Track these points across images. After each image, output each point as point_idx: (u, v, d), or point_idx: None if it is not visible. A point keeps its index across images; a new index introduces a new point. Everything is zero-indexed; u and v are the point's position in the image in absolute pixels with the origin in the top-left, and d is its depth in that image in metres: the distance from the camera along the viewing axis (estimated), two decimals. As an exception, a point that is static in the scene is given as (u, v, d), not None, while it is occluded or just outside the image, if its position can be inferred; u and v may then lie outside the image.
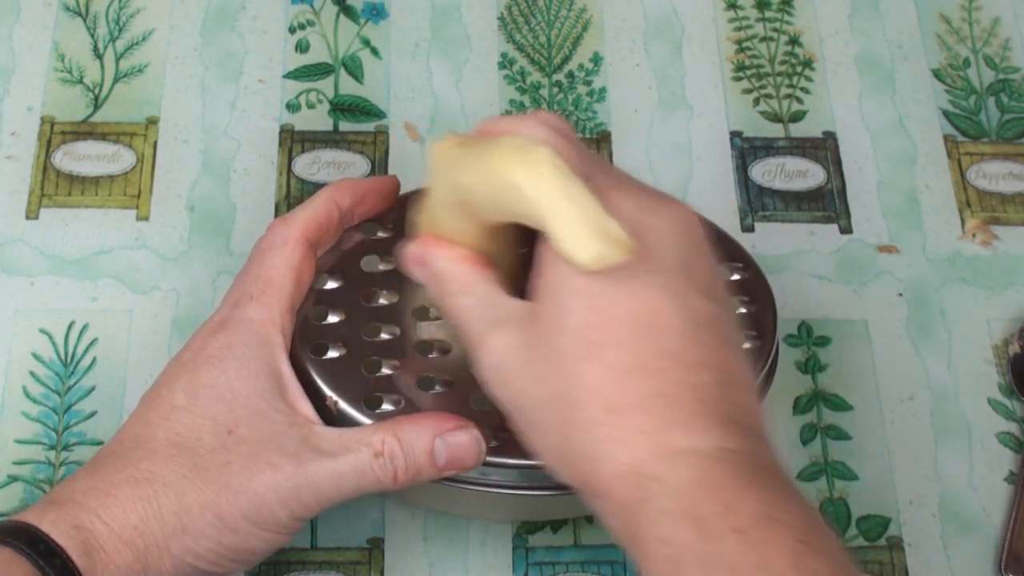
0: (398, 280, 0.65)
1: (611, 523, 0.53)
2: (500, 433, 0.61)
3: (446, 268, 0.58)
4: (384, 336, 0.64)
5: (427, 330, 0.64)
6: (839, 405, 0.74)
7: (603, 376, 0.52)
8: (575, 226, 0.51)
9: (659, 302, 0.52)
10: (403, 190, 0.68)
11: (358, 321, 0.64)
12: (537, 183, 0.52)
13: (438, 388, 0.63)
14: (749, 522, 0.49)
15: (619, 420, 0.52)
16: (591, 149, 0.80)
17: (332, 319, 0.64)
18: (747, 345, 0.65)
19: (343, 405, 0.62)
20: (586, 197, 0.51)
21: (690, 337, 0.53)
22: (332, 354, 0.63)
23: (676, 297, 0.53)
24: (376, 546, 0.69)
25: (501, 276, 0.58)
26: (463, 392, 0.63)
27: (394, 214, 0.67)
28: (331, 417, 0.62)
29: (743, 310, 0.66)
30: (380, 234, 0.67)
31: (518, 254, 0.60)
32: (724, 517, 0.49)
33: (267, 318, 0.61)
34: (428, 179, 0.59)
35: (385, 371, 0.63)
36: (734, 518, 0.49)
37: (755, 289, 0.67)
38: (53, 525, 0.56)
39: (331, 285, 0.65)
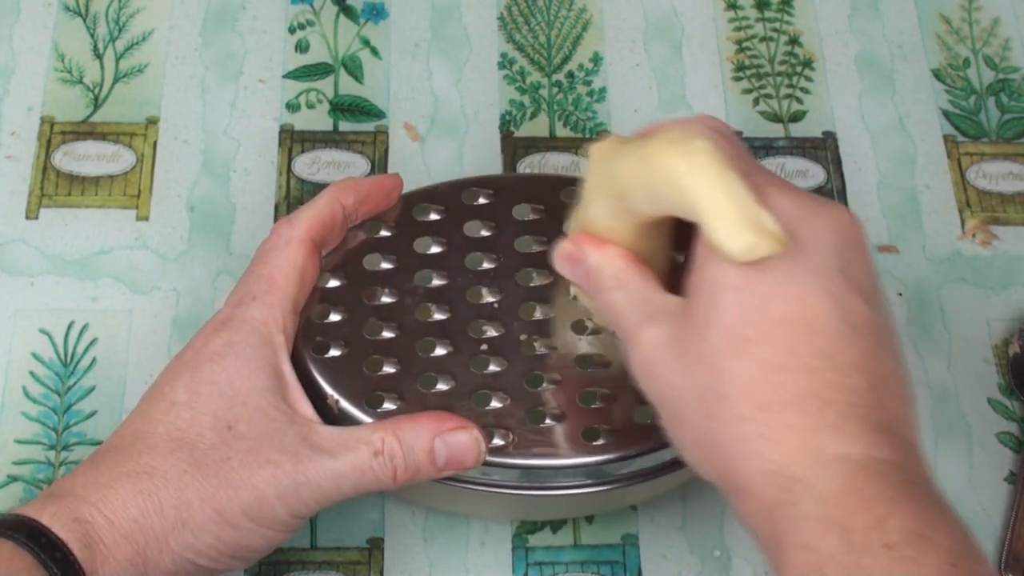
0: (400, 279, 0.65)
1: (751, 524, 0.52)
2: (505, 431, 0.62)
3: (600, 264, 0.58)
4: (386, 335, 0.64)
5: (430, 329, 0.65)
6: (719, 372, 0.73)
7: (754, 373, 0.52)
8: (728, 216, 0.51)
9: (815, 302, 0.52)
10: (404, 189, 0.68)
11: (360, 320, 0.64)
12: (693, 173, 0.52)
13: (440, 387, 0.63)
14: (899, 538, 0.48)
15: (769, 417, 0.51)
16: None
17: (334, 318, 0.64)
18: None
19: (344, 404, 0.62)
20: (741, 189, 0.51)
21: (845, 339, 0.52)
22: (334, 353, 0.63)
23: (832, 298, 0.52)
24: (376, 546, 0.69)
25: (654, 274, 0.58)
26: (465, 392, 0.63)
27: (396, 213, 0.67)
28: (332, 416, 0.62)
29: None
30: (383, 233, 0.67)
31: (671, 256, 0.60)
32: (874, 530, 0.48)
33: (269, 317, 0.61)
34: (584, 177, 0.59)
35: (387, 370, 0.63)
36: (884, 533, 0.48)
37: None
38: (54, 518, 0.56)
39: (333, 284, 0.65)
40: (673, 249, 0.60)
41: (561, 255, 0.60)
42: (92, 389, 0.72)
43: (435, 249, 0.67)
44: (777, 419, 0.51)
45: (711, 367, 0.52)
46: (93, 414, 0.71)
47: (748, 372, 0.52)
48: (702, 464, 0.54)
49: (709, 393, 0.52)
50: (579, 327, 0.65)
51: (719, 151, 0.52)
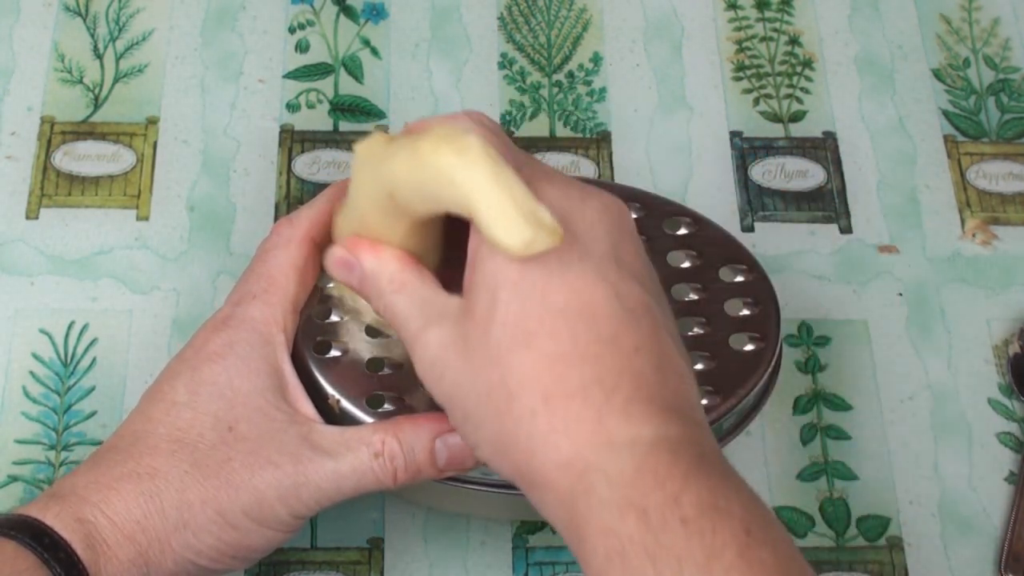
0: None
1: (552, 516, 0.52)
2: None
3: (375, 268, 0.58)
4: (387, 335, 0.64)
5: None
6: (839, 405, 0.74)
7: (539, 365, 0.52)
8: (505, 211, 0.51)
9: (592, 289, 0.52)
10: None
11: (361, 320, 0.64)
12: (467, 169, 0.51)
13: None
14: (694, 512, 0.48)
15: (557, 409, 0.51)
16: (591, 149, 0.80)
17: (335, 317, 0.64)
18: (749, 347, 0.65)
19: (345, 404, 0.62)
20: (516, 183, 0.51)
21: (624, 323, 0.52)
22: (335, 352, 0.63)
23: (608, 284, 0.53)
24: (376, 546, 0.69)
25: (431, 274, 0.58)
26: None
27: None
28: (333, 416, 0.62)
29: (746, 312, 0.66)
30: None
31: (446, 254, 0.60)
32: (669, 507, 0.48)
33: (269, 317, 0.61)
34: (352, 178, 0.58)
35: (387, 370, 0.63)
36: (679, 508, 0.48)
37: (759, 291, 0.67)
38: (57, 518, 0.56)
39: (334, 283, 0.65)
40: (445, 246, 0.60)
41: (334, 261, 0.60)
42: (92, 389, 0.72)
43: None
44: (565, 410, 0.51)
45: (497, 364, 0.52)
46: (93, 414, 0.71)
47: (533, 365, 0.52)
48: (498, 462, 0.54)
49: (497, 390, 0.52)
50: None
51: (490, 146, 0.52)
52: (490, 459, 0.55)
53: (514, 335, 0.52)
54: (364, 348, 0.63)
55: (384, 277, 0.57)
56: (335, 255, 0.60)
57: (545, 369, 0.52)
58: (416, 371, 0.57)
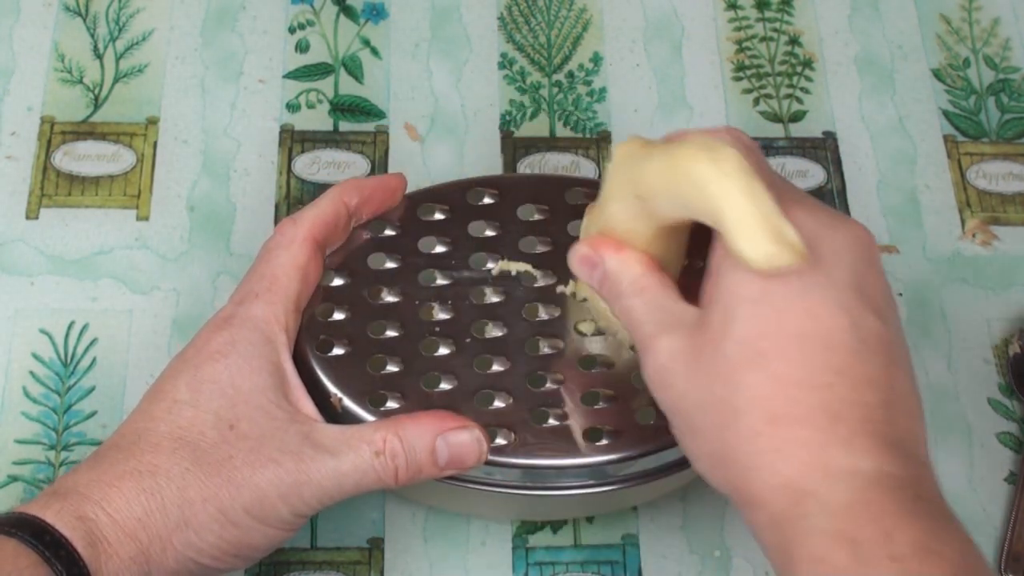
0: (404, 278, 0.65)
1: (761, 536, 0.53)
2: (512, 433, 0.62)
3: (618, 269, 0.58)
4: (390, 334, 0.64)
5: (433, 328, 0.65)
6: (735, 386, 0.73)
7: (768, 386, 0.52)
8: (751, 224, 0.51)
9: (831, 318, 0.52)
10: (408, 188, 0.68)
11: (364, 319, 0.64)
12: (720, 179, 0.52)
13: (443, 387, 0.63)
14: (907, 551, 0.48)
15: (781, 431, 0.51)
16: (591, 149, 0.80)
17: (338, 316, 0.64)
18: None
19: (348, 402, 0.62)
20: (766, 199, 0.52)
21: (859, 356, 0.52)
22: (337, 351, 0.63)
23: (848, 314, 0.53)
24: (376, 546, 0.69)
25: (672, 280, 0.58)
26: (468, 391, 0.63)
27: (401, 212, 0.67)
28: (336, 414, 0.62)
29: None
30: (387, 232, 0.67)
31: (688, 264, 0.61)
32: (882, 544, 0.48)
33: (271, 316, 0.61)
34: (606, 179, 0.59)
35: (390, 369, 0.63)
36: (892, 546, 0.48)
37: None
38: (58, 516, 0.56)
39: (338, 282, 0.65)
40: (688, 255, 0.61)
41: (578, 257, 0.60)
42: (92, 389, 0.72)
43: (439, 249, 0.67)
44: (790, 433, 0.51)
45: (726, 380, 0.53)
46: (93, 414, 0.71)
47: (762, 386, 0.52)
48: (714, 475, 0.55)
49: (723, 406, 0.53)
50: (585, 328, 0.65)
51: (746, 161, 0.52)
52: (707, 472, 0.55)
53: (747, 353, 0.52)
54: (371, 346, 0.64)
55: (626, 278, 0.58)
56: (579, 252, 0.60)
57: (774, 391, 0.52)
58: (644, 376, 0.57)
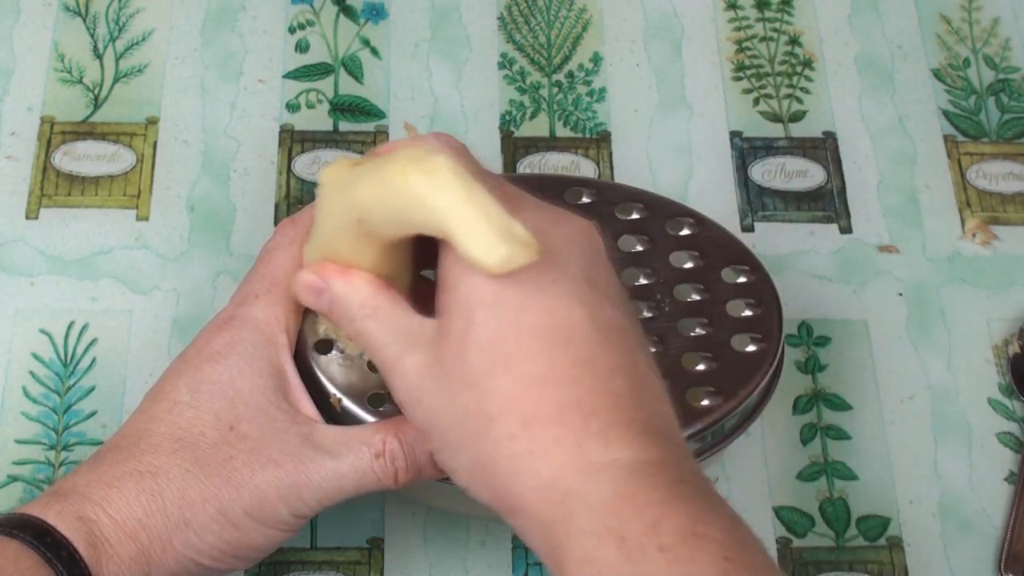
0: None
1: (533, 543, 0.52)
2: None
3: (346, 292, 0.57)
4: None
5: None
6: (839, 405, 0.74)
7: (516, 388, 0.51)
8: (480, 229, 0.50)
9: (568, 311, 0.52)
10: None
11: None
12: (437, 190, 0.51)
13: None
14: (674, 539, 0.48)
15: (535, 432, 0.51)
16: (591, 149, 0.80)
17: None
18: (751, 348, 0.65)
19: (347, 403, 0.62)
20: (489, 200, 0.51)
21: (600, 345, 0.52)
22: (336, 352, 0.63)
23: (584, 306, 0.52)
24: (376, 546, 0.69)
25: (404, 296, 0.57)
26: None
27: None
28: (335, 415, 0.62)
29: (748, 313, 0.66)
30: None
31: (417, 275, 0.60)
32: (648, 535, 0.48)
33: (272, 316, 0.61)
34: (318, 204, 0.58)
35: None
36: (658, 536, 0.48)
37: (761, 292, 0.67)
38: (59, 517, 0.56)
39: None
40: (418, 266, 0.60)
41: (303, 286, 0.59)
42: (92, 389, 0.72)
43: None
44: (544, 433, 0.51)
45: (474, 388, 0.52)
46: (93, 414, 0.71)
47: (510, 389, 0.51)
48: (476, 487, 0.54)
49: (475, 415, 0.52)
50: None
51: (459, 164, 0.51)
52: (469, 485, 0.54)
53: (491, 357, 0.52)
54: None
55: (355, 302, 0.57)
56: (303, 280, 0.59)
57: (523, 392, 0.51)
58: (394, 397, 0.57)
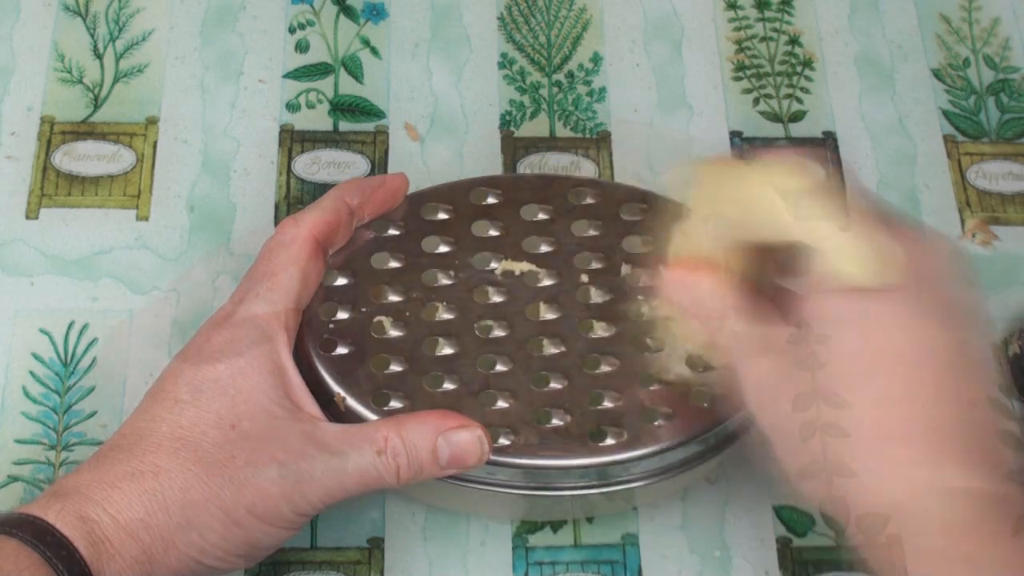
0: (407, 278, 0.65)
1: (872, 554, 0.53)
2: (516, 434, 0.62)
3: (714, 292, 0.58)
4: (393, 334, 0.64)
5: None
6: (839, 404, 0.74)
7: (873, 406, 0.52)
8: (850, 243, 0.52)
9: (933, 335, 0.53)
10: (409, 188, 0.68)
11: (367, 318, 0.64)
12: (810, 201, 0.53)
13: (446, 386, 0.63)
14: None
15: (887, 450, 0.52)
16: (591, 149, 0.80)
17: (341, 316, 0.64)
18: None
19: (351, 402, 0.62)
20: (865, 217, 0.52)
21: (963, 372, 0.53)
22: (341, 351, 0.63)
23: (949, 331, 0.53)
24: (376, 546, 0.69)
25: (767, 302, 0.58)
26: (471, 391, 0.63)
27: (403, 212, 0.67)
28: (339, 413, 0.62)
29: None
30: (390, 232, 0.67)
31: (779, 284, 0.60)
32: (998, 564, 0.49)
33: (271, 315, 0.61)
34: (692, 201, 0.60)
35: (393, 368, 0.63)
36: (1008, 572, 0.49)
37: None
38: (59, 517, 0.56)
39: (341, 282, 0.65)
40: (782, 275, 0.61)
41: (673, 280, 0.61)
42: (92, 389, 0.72)
43: (443, 248, 0.67)
44: (896, 453, 0.51)
45: (828, 400, 0.53)
46: (93, 414, 0.71)
47: (866, 405, 0.52)
48: (813, 494, 0.55)
49: (826, 426, 0.53)
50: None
51: (830, 182, 0.53)
52: (805, 490, 0.55)
53: (849, 373, 0.52)
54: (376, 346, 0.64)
55: (717, 304, 0.58)
56: (675, 275, 0.60)
57: (880, 411, 0.52)
58: (743, 395, 0.57)
